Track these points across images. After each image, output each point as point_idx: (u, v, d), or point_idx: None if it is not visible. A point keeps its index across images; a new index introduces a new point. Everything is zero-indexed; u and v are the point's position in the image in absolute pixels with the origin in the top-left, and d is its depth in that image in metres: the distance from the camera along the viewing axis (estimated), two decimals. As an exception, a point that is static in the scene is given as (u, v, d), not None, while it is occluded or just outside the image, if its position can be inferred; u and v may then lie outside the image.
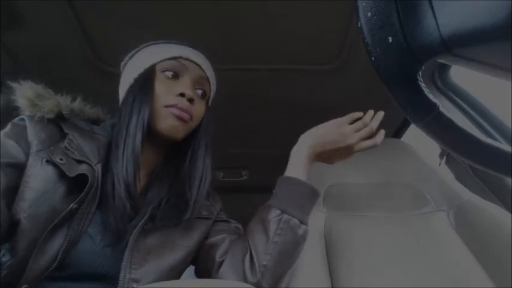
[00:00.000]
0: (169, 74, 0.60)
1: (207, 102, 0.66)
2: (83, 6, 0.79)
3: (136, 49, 0.65)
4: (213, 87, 0.68)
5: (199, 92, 0.63)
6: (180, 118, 0.57)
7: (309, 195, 0.60)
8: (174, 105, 0.57)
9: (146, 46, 0.64)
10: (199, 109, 0.62)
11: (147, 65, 0.60)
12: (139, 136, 0.54)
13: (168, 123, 0.57)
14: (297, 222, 0.57)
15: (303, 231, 0.58)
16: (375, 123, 0.63)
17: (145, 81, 0.59)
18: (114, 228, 0.50)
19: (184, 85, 0.59)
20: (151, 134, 0.57)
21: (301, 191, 0.60)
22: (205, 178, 0.61)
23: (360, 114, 0.64)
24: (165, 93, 0.58)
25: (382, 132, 0.64)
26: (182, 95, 0.57)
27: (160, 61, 0.60)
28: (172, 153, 0.64)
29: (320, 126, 0.64)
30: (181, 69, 0.61)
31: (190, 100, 0.58)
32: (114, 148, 0.55)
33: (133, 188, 0.52)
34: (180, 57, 0.61)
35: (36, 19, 0.82)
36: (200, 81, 0.63)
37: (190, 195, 0.58)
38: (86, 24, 0.84)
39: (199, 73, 0.63)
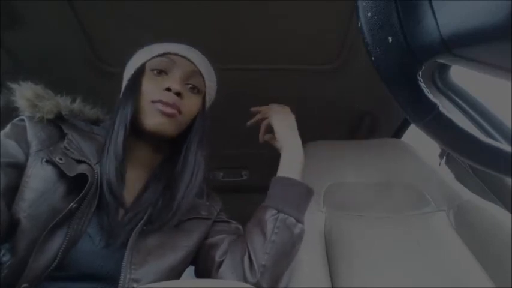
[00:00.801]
0: (156, 71, 0.60)
1: (203, 99, 0.65)
2: (83, 6, 0.79)
3: (135, 53, 0.66)
4: (210, 83, 0.67)
5: (189, 86, 0.62)
6: (165, 113, 0.56)
7: (303, 193, 0.61)
8: (159, 100, 0.56)
9: (141, 48, 0.65)
10: (189, 104, 0.60)
11: (137, 65, 0.61)
12: (121, 134, 0.54)
13: (154, 120, 0.56)
14: (293, 221, 0.57)
15: (300, 229, 0.58)
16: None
17: (134, 80, 0.59)
18: (107, 227, 0.50)
19: (171, 80, 0.59)
20: (143, 132, 0.57)
21: (296, 190, 0.60)
22: (196, 174, 0.59)
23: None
24: (152, 89, 0.58)
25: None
26: (168, 89, 0.57)
27: (150, 59, 0.61)
28: (170, 153, 0.64)
29: (276, 124, 0.71)
30: (169, 65, 0.60)
31: (178, 94, 0.57)
32: (103, 147, 0.55)
33: (116, 187, 0.51)
34: (168, 53, 0.61)
35: (36, 19, 0.82)
36: (191, 76, 0.62)
37: (177, 191, 0.57)
38: (86, 24, 0.84)
39: (190, 68, 0.62)
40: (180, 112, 0.58)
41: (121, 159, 0.53)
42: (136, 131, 0.57)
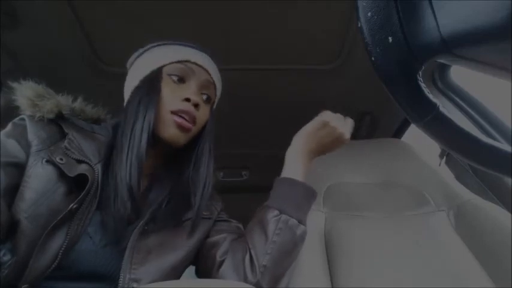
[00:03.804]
0: (176, 78, 0.59)
1: (211, 107, 0.66)
2: (83, 6, 0.79)
3: (144, 48, 0.64)
4: (219, 92, 0.68)
5: (205, 97, 0.62)
6: (182, 127, 0.56)
7: (306, 195, 0.60)
8: (178, 111, 0.56)
9: (154, 46, 0.64)
10: (203, 114, 0.61)
11: (154, 67, 0.59)
12: (144, 140, 0.54)
13: (170, 132, 0.56)
14: (296, 222, 0.57)
15: (302, 231, 0.58)
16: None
17: (152, 84, 0.58)
18: (113, 229, 0.50)
19: (190, 90, 0.59)
20: (155, 138, 0.57)
21: (299, 191, 0.60)
22: (208, 184, 0.61)
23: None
24: (171, 97, 0.57)
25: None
26: (188, 99, 0.57)
27: (168, 64, 0.60)
28: (173, 156, 0.64)
29: (309, 123, 0.64)
30: (188, 73, 0.60)
31: (196, 105, 0.58)
32: (119, 151, 0.54)
33: (136, 191, 0.52)
34: (188, 61, 0.60)
35: (36, 19, 0.82)
36: (206, 86, 0.62)
37: (194, 202, 0.58)
38: (86, 24, 0.84)
39: (206, 77, 0.62)
40: (195, 124, 0.59)
41: (142, 166, 0.53)
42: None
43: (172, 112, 0.56)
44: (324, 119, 0.63)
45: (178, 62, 0.60)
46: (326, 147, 0.64)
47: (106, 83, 0.96)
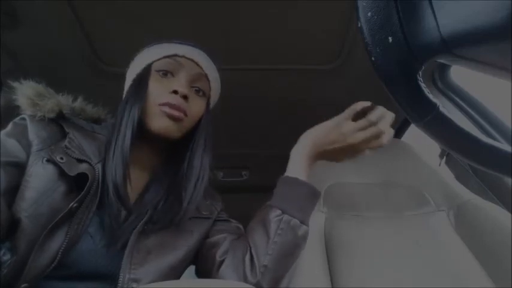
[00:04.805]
0: (162, 72, 0.59)
1: (207, 101, 0.65)
2: (83, 6, 0.79)
3: (140, 51, 0.65)
4: (215, 85, 0.67)
5: (196, 89, 0.62)
6: (172, 117, 0.56)
7: (309, 195, 0.60)
8: (166, 103, 0.56)
9: (147, 47, 0.64)
10: (195, 107, 0.61)
11: (143, 65, 0.60)
12: (128, 136, 0.54)
13: (160, 123, 0.56)
14: (298, 222, 0.56)
15: (304, 231, 0.57)
16: (384, 125, 0.57)
17: (140, 81, 0.59)
18: (109, 227, 0.50)
19: (178, 82, 0.58)
20: (147, 133, 0.57)
21: (302, 191, 0.59)
22: (202, 178, 0.60)
23: (365, 104, 0.59)
24: (159, 91, 0.57)
25: (390, 131, 0.59)
26: (175, 92, 0.57)
27: (156, 60, 0.60)
28: (172, 153, 0.64)
29: (321, 125, 0.61)
30: (176, 67, 0.60)
31: (184, 97, 0.57)
32: (108, 149, 0.54)
33: (122, 188, 0.51)
34: (175, 55, 0.60)
35: (36, 19, 0.82)
36: (197, 79, 0.62)
37: (184, 196, 0.57)
38: (86, 24, 0.84)
39: (197, 70, 0.62)
40: (185, 115, 0.58)
41: (127, 161, 0.53)
42: (139, 132, 0.56)
43: (160, 104, 0.56)
44: (336, 123, 0.58)
45: (166, 57, 0.60)
46: (333, 153, 0.59)
47: (106, 83, 0.96)
